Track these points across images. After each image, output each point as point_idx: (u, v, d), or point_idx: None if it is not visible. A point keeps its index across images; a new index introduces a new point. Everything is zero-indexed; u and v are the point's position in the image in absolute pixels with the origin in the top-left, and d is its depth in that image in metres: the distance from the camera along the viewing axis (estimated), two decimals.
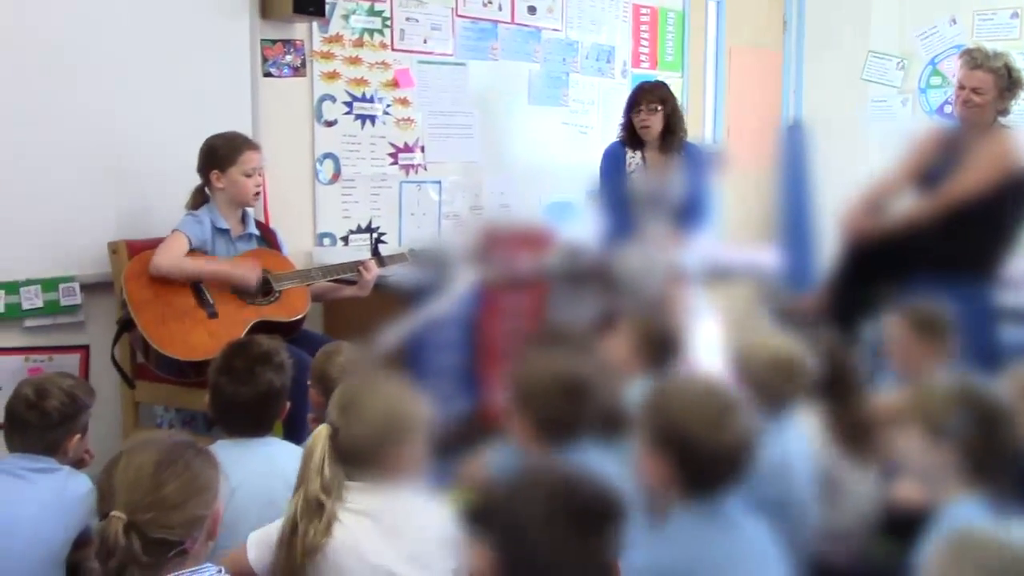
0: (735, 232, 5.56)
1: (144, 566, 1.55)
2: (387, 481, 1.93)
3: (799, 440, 2.40)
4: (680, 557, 1.77)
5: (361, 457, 1.92)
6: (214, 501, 1.64)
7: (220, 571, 1.64)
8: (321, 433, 1.93)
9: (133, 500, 1.56)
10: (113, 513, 1.55)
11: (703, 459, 1.81)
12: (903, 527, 2.11)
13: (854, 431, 2.49)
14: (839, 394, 2.52)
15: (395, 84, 4.46)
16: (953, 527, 1.87)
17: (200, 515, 1.61)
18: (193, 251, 3.33)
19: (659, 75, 5.32)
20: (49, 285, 3.43)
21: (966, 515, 1.87)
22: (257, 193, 3.48)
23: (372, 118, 4.39)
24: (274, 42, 4.04)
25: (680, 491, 1.85)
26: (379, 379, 2.05)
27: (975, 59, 3.65)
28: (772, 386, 2.33)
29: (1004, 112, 3.67)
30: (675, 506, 1.86)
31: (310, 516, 1.87)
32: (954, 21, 5.73)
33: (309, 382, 2.69)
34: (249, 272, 3.35)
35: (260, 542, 1.97)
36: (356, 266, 3.60)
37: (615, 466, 2.05)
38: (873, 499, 2.46)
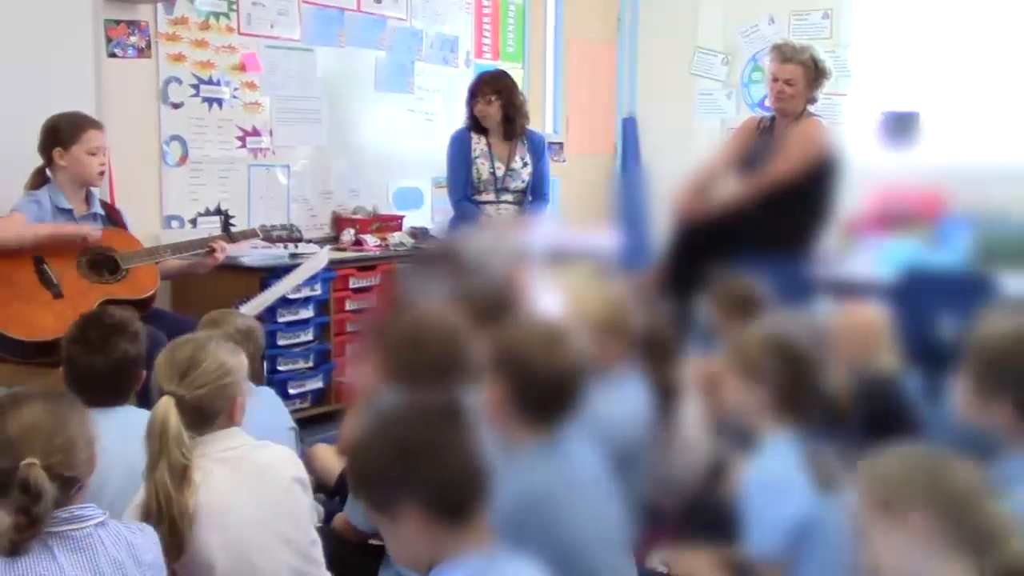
0: (575, 216, 5.80)
1: (56, 505, 1.61)
2: (229, 427, 2.08)
3: (634, 394, 2.58)
4: (524, 488, 1.88)
5: (208, 412, 2.03)
6: (94, 441, 1.72)
7: (105, 513, 1.71)
8: (168, 405, 1.98)
9: (43, 446, 1.61)
10: (26, 461, 1.58)
11: (536, 383, 1.95)
12: None
13: (665, 392, 2.69)
14: (655, 357, 2.71)
15: (242, 68, 4.48)
16: (773, 459, 2.11)
17: (89, 454, 1.69)
18: None
19: (501, 65, 5.49)
20: None
21: (781, 447, 2.11)
22: (102, 172, 3.46)
23: (219, 101, 4.40)
24: (118, 22, 4.01)
25: (517, 420, 1.98)
26: (206, 341, 2.13)
27: (784, 53, 3.98)
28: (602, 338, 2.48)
29: (812, 100, 4.02)
30: (515, 440, 1.98)
31: (178, 483, 1.94)
32: (772, 20, 6.14)
33: None
34: (89, 230, 3.33)
35: None
36: (206, 242, 3.63)
37: None
38: (704, 453, 2.67)
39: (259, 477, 2.05)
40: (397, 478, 1.54)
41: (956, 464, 1.50)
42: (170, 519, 1.91)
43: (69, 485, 1.64)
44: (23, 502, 1.56)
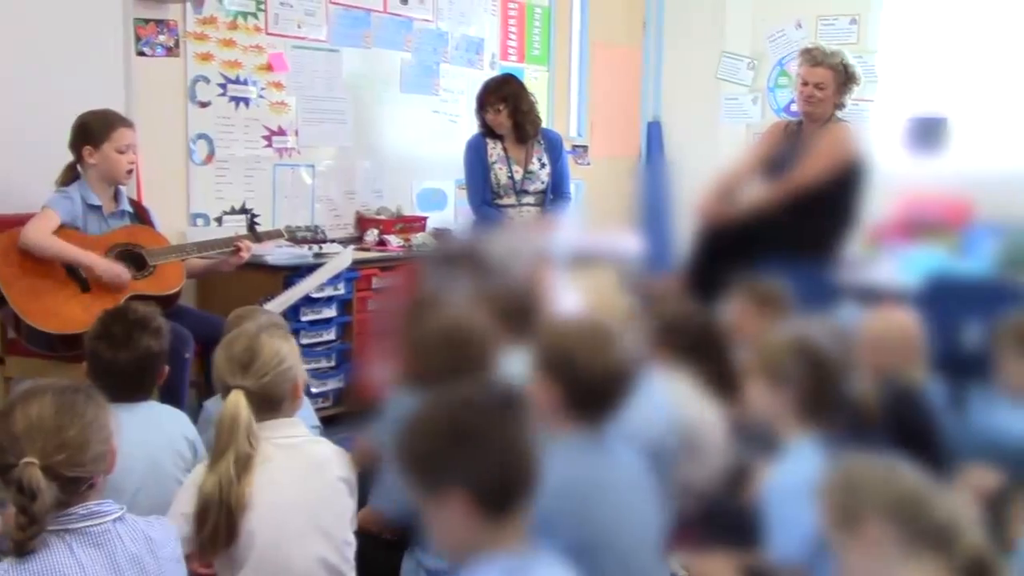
0: (598, 219, 5.80)
1: (60, 504, 1.61)
2: (293, 411, 2.15)
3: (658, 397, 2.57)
4: (560, 481, 1.84)
5: (275, 399, 2.10)
6: (111, 437, 1.71)
7: (122, 508, 1.72)
8: (238, 399, 2.02)
9: (43, 445, 1.60)
10: (25, 460, 1.58)
11: (585, 381, 1.95)
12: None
13: (727, 387, 2.66)
14: (708, 354, 2.68)
15: (269, 68, 4.51)
16: (797, 464, 2.10)
17: (103, 451, 1.68)
18: (63, 227, 3.31)
19: (526, 68, 5.50)
20: None
21: (805, 452, 2.10)
22: (130, 171, 3.48)
23: (246, 100, 4.43)
24: (147, 21, 4.04)
25: (563, 415, 1.98)
26: (257, 332, 2.16)
27: (815, 57, 3.96)
28: None
29: (840, 106, 4.00)
30: (561, 433, 1.97)
31: (240, 472, 1.98)
32: (799, 25, 6.12)
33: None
34: (116, 269, 3.33)
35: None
36: (232, 241, 3.65)
37: None
38: (727, 456, 2.65)
39: (311, 469, 2.10)
40: (449, 459, 1.53)
41: (901, 468, 1.54)
42: (227, 507, 1.96)
43: (75, 484, 1.63)
44: (21, 501, 1.57)
